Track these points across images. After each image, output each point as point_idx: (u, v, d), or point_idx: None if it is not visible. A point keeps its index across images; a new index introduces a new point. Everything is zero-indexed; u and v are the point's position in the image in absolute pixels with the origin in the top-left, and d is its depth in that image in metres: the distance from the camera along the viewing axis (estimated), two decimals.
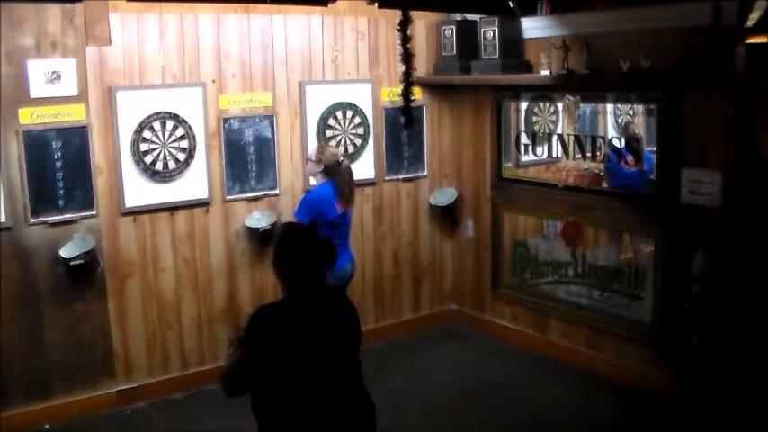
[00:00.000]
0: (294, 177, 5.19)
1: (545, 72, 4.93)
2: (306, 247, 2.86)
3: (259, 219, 5.03)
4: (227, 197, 4.95)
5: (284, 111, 5.13)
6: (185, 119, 4.74)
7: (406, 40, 4.12)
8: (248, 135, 4.98)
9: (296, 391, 2.73)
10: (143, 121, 4.60)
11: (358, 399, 2.92)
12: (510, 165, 5.55)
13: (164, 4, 4.60)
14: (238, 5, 4.80)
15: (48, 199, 4.32)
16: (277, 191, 5.12)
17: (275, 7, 4.89)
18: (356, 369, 2.92)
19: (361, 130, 5.46)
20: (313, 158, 4.64)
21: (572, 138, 5.04)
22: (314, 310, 2.82)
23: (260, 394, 2.81)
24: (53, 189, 4.34)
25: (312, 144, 5.11)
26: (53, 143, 4.31)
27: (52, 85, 4.28)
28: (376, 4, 4.50)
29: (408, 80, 4.20)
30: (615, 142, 4.80)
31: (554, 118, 5.17)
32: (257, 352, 2.74)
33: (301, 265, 2.82)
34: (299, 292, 2.83)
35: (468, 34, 5.43)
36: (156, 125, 4.65)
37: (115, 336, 4.65)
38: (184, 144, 4.76)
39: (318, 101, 5.24)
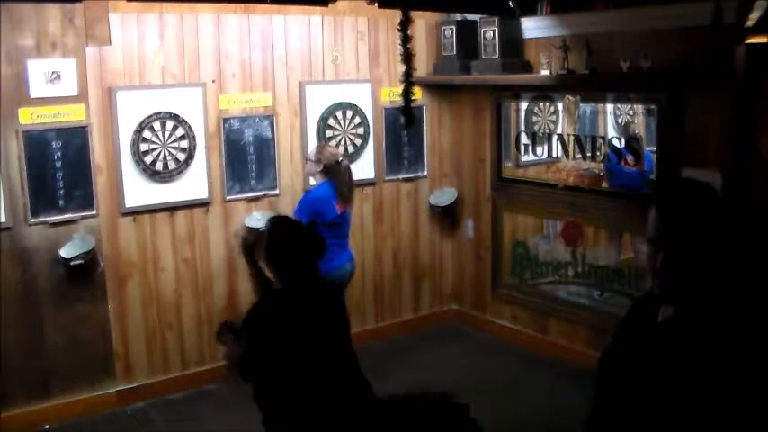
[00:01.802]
0: (294, 177, 5.19)
1: (545, 72, 4.93)
2: (296, 240, 2.93)
3: (259, 219, 5.02)
4: (227, 197, 4.95)
5: (284, 111, 5.13)
6: (185, 119, 4.74)
7: (406, 39, 4.11)
8: (248, 135, 4.98)
9: (298, 378, 2.77)
10: (143, 121, 4.60)
11: (356, 381, 2.97)
12: (510, 165, 5.55)
13: (164, 4, 4.60)
14: (238, 5, 4.80)
15: (48, 199, 4.32)
16: (277, 191, 5.12)
17: (275, 7, 4.89)
18: (351, 353, 3.00)
19: (361, 130, 5.46)
20: (312, 158, 4.64)
21: (572, 138, 5.04)
22: (309, 300, 2.88)
23: (263, 383, 2.86)
24: (53, 189, 4.33)
25: (312, 144, 5.11)
26: (53, 143, 4.31)
27: (52, 85, 4.28)
28: (376, 4, 4.49)
29: (408, 80, 4.19)
30: (615, 142, 4.80)
31: (554, 118, 5.17)
32: (261, 343, 2.79)
33: (293, 257, 2.89)
34: (292, 283, 2.89)
35: (468, 34, 5.43)
36: (156, 125, 4.65)
37: (115, 336, 4.65)
38: (184, 144, 4.76)
39: (318, 101, 5.24)
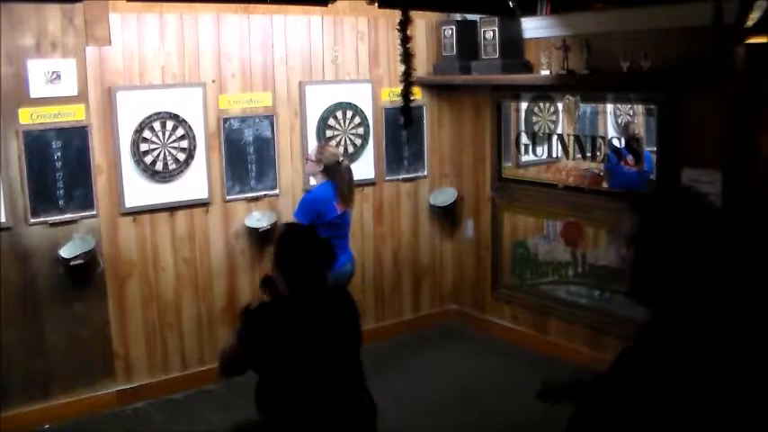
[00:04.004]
0: (294, 177, 5.19)
1: (545, 72, 4.93)
2: (306, 248, 2.89)
3: (259, 219, 5.03)
4: (228, 197, 4.95)
5: (284, 111, 5.13)
6: (185, 119, 4.74)
7: (405, 40, 4.12)
8: (248, 135, 4.98)
9: (297, 387, 2.75)
10: (143, 121, 4.60)
11: (358, 397, 2.94)
12: (510, 165, 5.55)
13: (164, 4, 4.60)
14: (238, 5, 4.80)
15: (48, 199, 4.32)
16: (277, 191, 5.12)
17: (275, 7, 4.89)
18: (357, 368, 2.95)
19: (361, 130, 5.46)
20: (313, 158, 4.63)
21: (572, 138, 5.04)
22: (314, 310, 2.84)
23: (263, 390, 2.84)
24: (53, 189, 4.33)
25: (312, 144, 5.11)
26: (53, 143, 4.31)
27: (52, 85, 4.27)
28: (376, 4, 4.50)
29: (408, 80, 4.20)
30: (615, 142, 4.80)
31: (554, 118, 5.17)
32: (253, 346, 2.78)
33: (301, 265, 2.85)
34: (299, 291, 2.85)
35: (468, 34, 5.43)
36: (156, 125, 4.65)
37: (115, 336, 4.65)
38: (184, 144, 4.76)
39: (318, 101, 5.24)
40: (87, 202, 4.44)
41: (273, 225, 4.99)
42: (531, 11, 5.13)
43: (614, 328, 4.86)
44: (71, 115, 4.35)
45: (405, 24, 4.10)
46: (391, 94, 5.47)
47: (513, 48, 5.22)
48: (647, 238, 1.65)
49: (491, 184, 5.67)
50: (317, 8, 5.02)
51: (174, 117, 4.70)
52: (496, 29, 5.17)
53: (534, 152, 5.35)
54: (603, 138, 4.86)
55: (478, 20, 5.35)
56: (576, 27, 4.85)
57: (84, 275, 4.46)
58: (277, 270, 2.90)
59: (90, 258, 4.42)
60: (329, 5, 4.78)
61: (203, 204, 4.88)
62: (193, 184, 4.81)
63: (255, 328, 2.80)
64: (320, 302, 2.88)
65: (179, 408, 4.71)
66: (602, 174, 4.91)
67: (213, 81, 4.83)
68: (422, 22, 5.54)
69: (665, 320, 1.62)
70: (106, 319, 4.60)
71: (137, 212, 4.65)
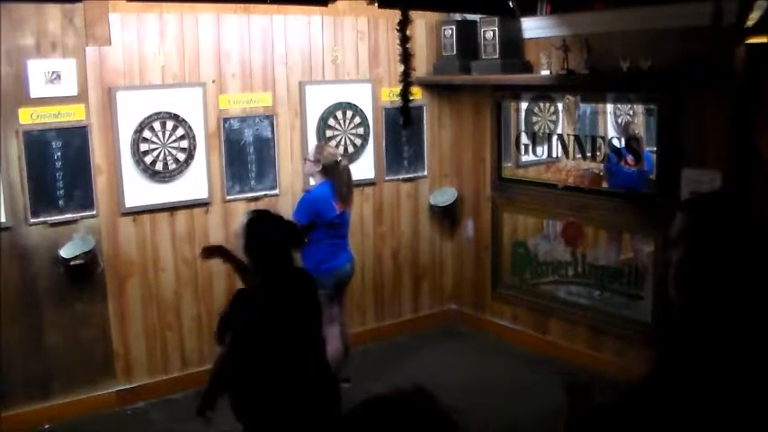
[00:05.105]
0: (294, 177, 5.19)
1: (545, 72, 4.93)
2: (273, 232, 2.99)
3: None
4: (227, 197, 4.95)
5: (284, 111, 5.13)
6: (185, 119, 4.74)
7: (405, 39, 4.11)
8: (248, 135, 4.98)
9: (272, 365, 2.84)
10: (143, 121, 4.60)
11: (324, 375, 3.05)
12: (510, 165, 5.55)
13: (164, 4, 4.60)
14: (238, 5, 4.80)
15: (48, 199, 4.33)
16: (277, 191, 5.12)
17: (275, 7, 4.89)
18: (322, 346, 3.08)
19: (361, 130, 5.46)
20: (311, 158, 4.63)
21: (572, 138, 5.04)
22: (287, 297, 2.95)
23: (242, 389, 2.94)
24: (53, 189, 4.34)
25: (312, 144, 5.11)
26: (53, 143, 4.31)
27: (52, 85, 4.28)
28: (376, 4, 4.50)
29: (407, 80, 4.19)
30: (615, 142, 4.80)
31: (554, 118, 5.17)
32: (245, 333, 2.85)
33: (271, 249, 2.95)
34: (271, 277, 2.94)
35: (468, 34, 5.43)
36: (156, 125, 4.65)
37: (115, 336, 4.65)
38: (184, 144, 4.76)
39: (318, 101, 5.24)
40: (87, 202, 4.44)
41: None
42: (531, 11, 5.13)
43: (614, 328, 4.86)
44: (71, 115, 4.35)
45: (404, 24, 4.09)
46: (391, 94, 5.46)
47: (513, 48, 5.22)
48: (697, 237, 1.68)
49: (491, 184, 5.67)
50: (317, 8, 5.02)
51: (174, 117, 4.70)
52: (496, 29, 5.17)
53: (534, 152, 5.35)
54: (603, 138, 4.86)
55: (478, 20, 5.35)
56: (576, 27, 4.85)
57: (84, 275, 4.46)
58: (248, 257, 2.99)
59: (90, 258, 4.41)
60: (329, 5, 4.78)
61: (203, 204, 4.88)
62: (193, 184, 4.81)
63: (240, 311, 2.89)
64: (292, 285, 2.96)
65: (179, 408, 4.70)
66: (602, 174, 4.91)
67: (213, 81, 4.83)
68: (422, 22, 5.54)
69: (708, 316, 1.65)
70: (106, 319, 4.61)
71: (137, 212, 4.65)
